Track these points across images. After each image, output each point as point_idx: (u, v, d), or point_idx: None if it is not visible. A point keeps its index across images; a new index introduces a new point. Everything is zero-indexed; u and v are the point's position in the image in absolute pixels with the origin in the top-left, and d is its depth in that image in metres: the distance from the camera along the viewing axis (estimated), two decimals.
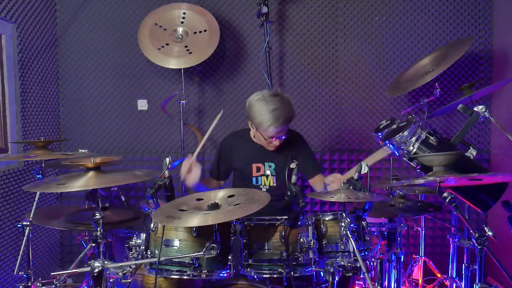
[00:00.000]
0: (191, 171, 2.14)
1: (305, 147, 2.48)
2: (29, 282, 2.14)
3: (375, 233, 2.36)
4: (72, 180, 1.65)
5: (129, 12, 3.27)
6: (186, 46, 2.90)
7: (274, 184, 2.38)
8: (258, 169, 2.38)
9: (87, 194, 1.70)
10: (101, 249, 1.73)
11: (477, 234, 1.64)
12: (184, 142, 3.06)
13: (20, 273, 2.12)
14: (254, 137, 2.39)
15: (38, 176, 2.27)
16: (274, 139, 2.24)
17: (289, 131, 2.46)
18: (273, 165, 2.38)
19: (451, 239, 2.69)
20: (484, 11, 3.20)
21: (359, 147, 3.33)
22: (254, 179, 2.38)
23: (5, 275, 2.66)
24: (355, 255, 1.69)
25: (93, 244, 1.73)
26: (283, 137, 2.27)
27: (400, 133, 2.15)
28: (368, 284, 1.63)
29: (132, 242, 1.76)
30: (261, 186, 2.38)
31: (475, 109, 2.11)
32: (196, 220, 1.56)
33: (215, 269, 1.68)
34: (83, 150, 2.35)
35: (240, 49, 3.31)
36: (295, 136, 2.48)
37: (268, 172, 2.37)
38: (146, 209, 2.23)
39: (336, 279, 1.63)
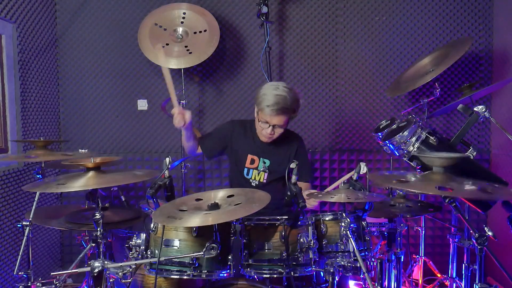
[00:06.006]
0: (183, 113, 2.22)
1: (303, 152, 2.46)
2: (29, 282, 2.14)
3: (375, 233, 2.36)
4: (72, 180, 1.65)
5: (129, 12, 3.27)
6: (186, 46, 2.90)
7: (265, 181, 2.39)
8: (252, 161, 2.39)
9: (87, 194, 1.70)
10: (101, 249, 1.73)
11: (477, 234, 1.64)
12: None
13: (20, 273, 2.13)
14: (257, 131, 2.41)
15: (38, 176, 2.27)
16: (268, 126, 2.23)
17: (290, 133, 2.47)
18: (267, 162, 2.38)
19: (451, 239, 2.70)
20: (484, 11, 3.20)
21: (359, 147, 3.33)
22: (245, 170, 2.39)
23: (5, 275, 2.66)
24: (355, 255, 1.69)
25: (93, 244, 1.73)
26: (278, 129, 2.25)
27: (400, 133, 2.15)
28: (368, 284, 1.63)
29: (132, 242, 1.76)
30: (250, 180, 2.39)
31: (475, 109, 2.11)
32: (196, 220, 1.56)
33: (215, 269, 1.68)
34: (83, 150, 2.35)
35: (240, 49, 3.31)
36: (296, 139, 2.46)
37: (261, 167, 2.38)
38: (146, 209, 2.23)
39: (336, 279, 1.63)
